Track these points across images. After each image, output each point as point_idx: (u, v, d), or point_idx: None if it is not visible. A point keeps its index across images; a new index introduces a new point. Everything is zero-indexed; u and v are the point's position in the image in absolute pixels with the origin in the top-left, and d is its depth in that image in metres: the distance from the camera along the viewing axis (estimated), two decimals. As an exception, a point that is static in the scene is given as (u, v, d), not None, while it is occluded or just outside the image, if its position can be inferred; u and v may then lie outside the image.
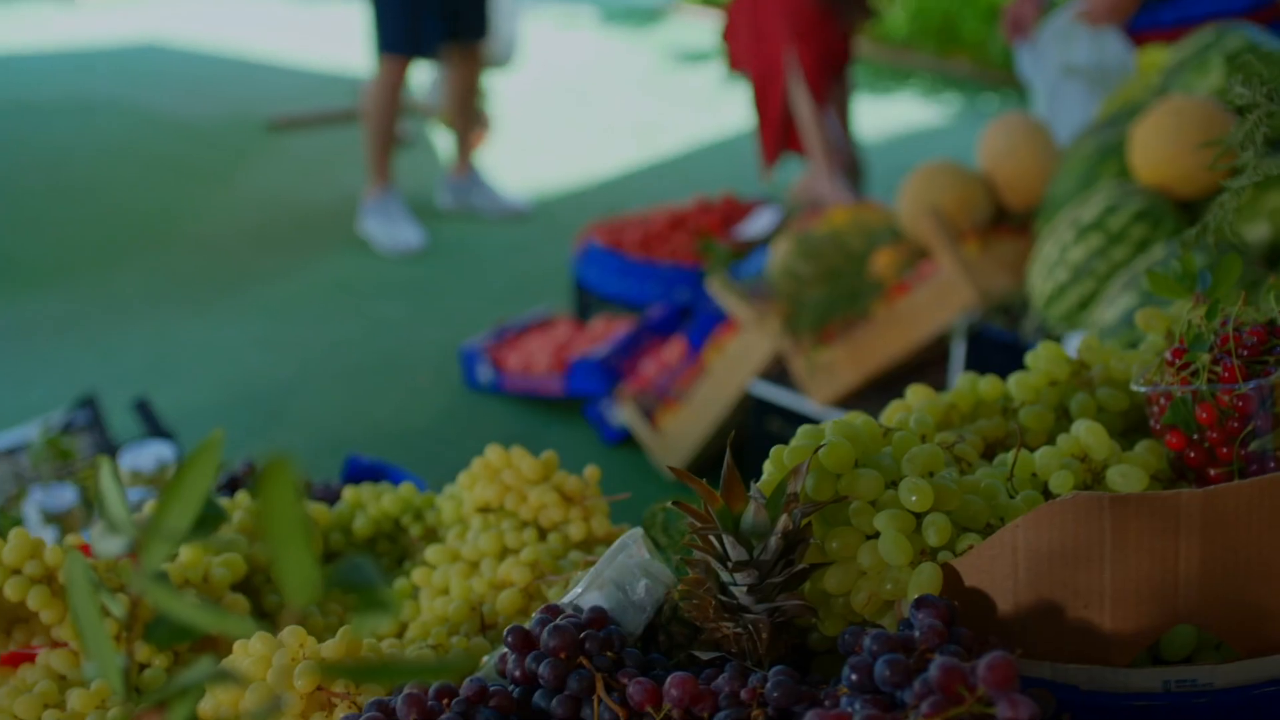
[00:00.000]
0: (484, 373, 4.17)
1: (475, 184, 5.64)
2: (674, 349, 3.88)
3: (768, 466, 1.25)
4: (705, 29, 8.25)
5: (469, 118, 5.57)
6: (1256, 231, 2.53)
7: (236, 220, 5.62)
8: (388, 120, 5.24)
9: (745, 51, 4.42)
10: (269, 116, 6.71)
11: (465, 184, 5.65)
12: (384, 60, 5.17)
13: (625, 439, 3.82)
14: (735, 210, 4.41)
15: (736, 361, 3.46)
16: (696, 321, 3.88)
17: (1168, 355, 1.39)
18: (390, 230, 5.30)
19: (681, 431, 3.58)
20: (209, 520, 0.79)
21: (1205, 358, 1.34)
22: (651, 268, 4.18)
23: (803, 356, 3.24)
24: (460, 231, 5.48)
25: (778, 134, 4.45)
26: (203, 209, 5.74)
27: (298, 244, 5.37)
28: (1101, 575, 1.10)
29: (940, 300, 3.01)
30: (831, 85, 4.35)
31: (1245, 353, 1.36)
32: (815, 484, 1.19)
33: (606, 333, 4.15)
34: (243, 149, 6.37)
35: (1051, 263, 2.73)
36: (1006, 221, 3.19)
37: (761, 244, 4.06)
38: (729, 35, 4.45)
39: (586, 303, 4.43)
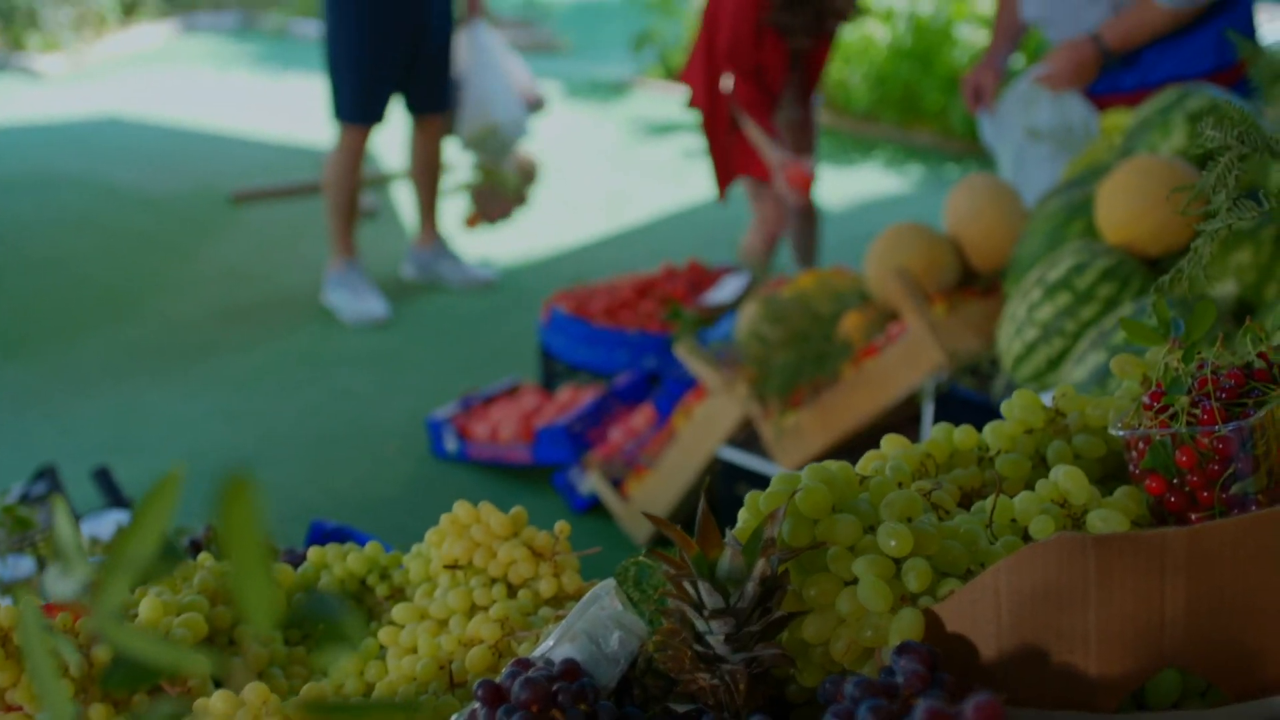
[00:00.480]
0: (450, 442, 4.13)
1: (440, 254, 5.63)
2: (642, 416, 3.86)
3: (743, 514, 1.23)
4: (669, 102, 8.30)
5: (433, 187, 5.56)
6: (1224, 289, 2.54)
7: (199, 293, 5.59)
8: (348, 191, 5.23)
9: (698, 86, 4.44)
10: (231, 190, 6.69)
11: (430, 254, 5.64)
12: (343, 130, 5.18)
13: (594, 507, 3.78)
14: (702, 277, 4.41)
15: (705, 427, 3.43)
16: (664, 388, 3.86)
17: (1145, 399, 1.38)
18: (354, 301, 5.27)
19: (650, 498, 3.55)
20: (168, 559, 0.76)
21: (1184, 400, 1.33)
22: (618, 335, 4.17)
23: (771, 420, 3.22)
24: (426, 301, 5.46)
25: (723, 160, 4.47)
26: (165, 282, 5.70)
27: (261, 316, 5.34)
28: (1086, 617, 1.07)
29: (909, 361, 3.00)
30: (772, 108, 4.36)
31: (1224, 395, 1.34)
32: (792, 529, 1.17)
33: (574, 401, 4.12)
34: (205, 222, 6.35)
35: (1020, 322, 2.72)
36: (974, 283, 3.19)
37: (729, 309, 4.05)
38: (687, 73, 4.47)
39: (553, 371, 4.41)
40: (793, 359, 3.20)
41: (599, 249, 5.98)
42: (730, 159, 4.44)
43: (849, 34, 7.34)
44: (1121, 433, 1.35)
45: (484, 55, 5.36)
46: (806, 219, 4.76)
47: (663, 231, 6.18)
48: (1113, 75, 3.81)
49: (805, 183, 4.24)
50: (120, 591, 0.71)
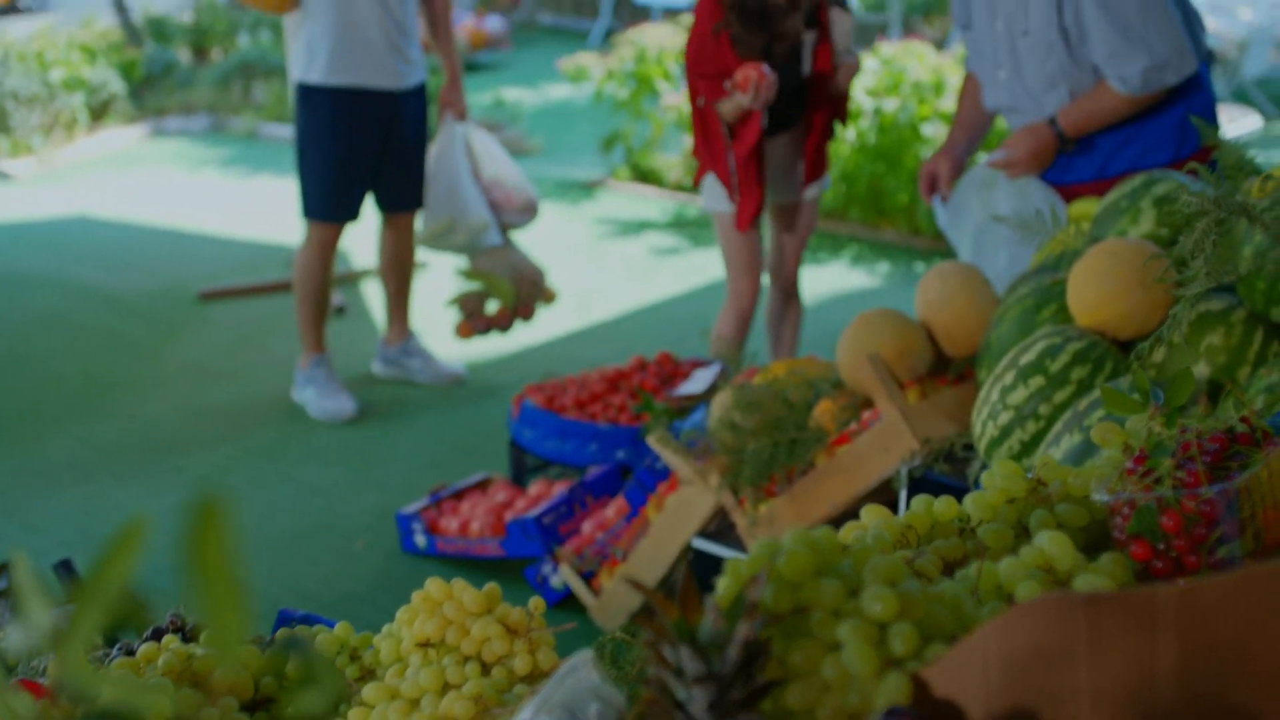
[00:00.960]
0: (419, 537, 4.09)
1: (410, 351, 5.61)
2: (614, 508, 3.82)
3: (723, 580, 1.20)
4: (638, 201, 8.35)
5: (403, 285, 5.56)
6: (1196, 371, 2.53)
7: (166, 390, 5.55)
8: (319, 287, 5.22)
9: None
10: (200, 288, 6.67)
11: (400, 351, 5.62)
12: (313, 228, 5.18)
13: (566, 600, 3.74)
14: (673, 370, 4.39)
15: (677, 517, 3.40)
16: (636, 480, 3.83)
17: (1129, 464, 1.36)
18: (323, 398, 5.24)
19: (623, 590, 3.50)
20: (134, 607, 0.74)
21: (1168, 463, 1.32)
22: (589, 428, 4.14)
23: (745, 510, 3.20)
24: (396, 398, 5.43)
25: (700, 152, 4.46)
26: (132, 379, 5.66)
27: (228, 413, 5.30)
28: (1077, 678, 1.05)
29: (882, 447, 2.98)
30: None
31: (1208, 459, 1.33)
32: (775, 594, 1.14)
33: (545, 494, 4.09)
34: (173, 320, 6.32)
35: (993, 405, 2.71)
36: (946, 371, 3.19)
37: (700, 400, 4.03)
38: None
39: (524, 465, 4.38)
40: (766, 447, 3.18)
41: (569, 344, 5.97)
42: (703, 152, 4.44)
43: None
44: (1106, 498, 1.34)
45: (450, 153, 5.36)
46: (789, 307, 4.76)
47: (633, 327, 6.19)
48: (1073, 165, 3.85)
49: (758, 77, 4.13)
50: (88, 637, 0.68)
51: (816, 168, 4.53)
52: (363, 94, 5.03)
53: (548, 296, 5.56)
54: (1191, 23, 3.77)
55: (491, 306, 5.47)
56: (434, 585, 1.54)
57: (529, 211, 5.58)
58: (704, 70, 4.24)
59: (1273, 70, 11.38)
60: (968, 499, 1.49)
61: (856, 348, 3.10)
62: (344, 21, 4.95)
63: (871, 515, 1.47)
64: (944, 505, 1.48)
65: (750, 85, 4.10)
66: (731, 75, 4.17)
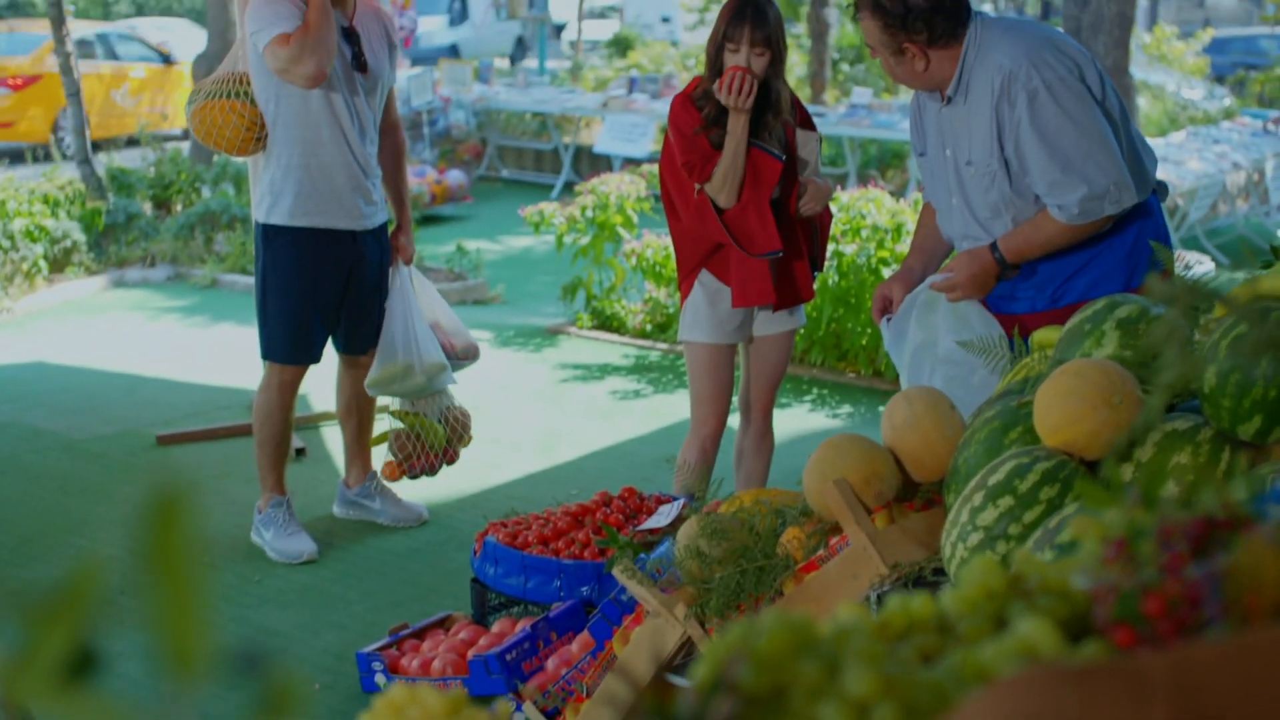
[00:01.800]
0: (380, 677, 4.00)
1: (371, 493, 5.55)
2: (578, 644, 3.76)
3: (699, 666, 1.16)
4: (600, 347, 8.38)
5: (363, 425, 5.52)
6: (1164, 491, 2.52)
7: (119, 533, 5.45)
8: (279, 428, 5.18)
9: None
10: (158, 432, 6.61)
11: (361, 492, 5.56)
12: (273, 370, 5.15)
13: (529, 739, 3.65)
14: (638, 506, 4.36)
15: (644, 650, 3.34)
16: (601, 614, 3.77)
17: (1109, 551, 1.34)
18: (282, 540, 5.17)
19: (588, 726, 3.42)
20: (89, 662, 0.70)
21: (1149, 547, 1.29)
22: (553, 564, 4.09)
23: (712, 640, 3.14)
24: (356, 539, 5.37)
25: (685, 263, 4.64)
26: (84, 522, 5.57)
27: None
28: (1068, 756, 1.01)
29: (851, 574, 2.94)
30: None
31: (1190, 543, 1.31)
32: (753, 674, 1.11)
33: (508, 632, 4.02)
34: (129, 464, 6.25)
35: (962, 527, 2.69)
36: (914, 496, 3.16)
37: (666, 534, 3.99)
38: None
39: (486, 602, 4.31)
40: (733, 576, 3.14)
41: (533, 483, 5.93)
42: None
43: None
44: (1087, 584, 1.31)
45: (402, 295, 5.35)
46: (761, 443, 4.76)
47: (596, 467, 6.15)
48: (1021, 294, 3.89)
49: (742, 79, 4.26)
50: (43, 672, 0.64)
51: (791, 292, 4.57)
52: (326, 234, 5.04)
53: (467, 441, 5.58)
54: (1139, 153, 3.84)
55: (420, 449, 5.44)
56: (397, 690, 1.49)
57: (470, 356, 5.60)
58: (688, 159, 4.40)
59: (1222, 220, 11.60)
60: (945, 596, 1.46)
61: (823, 473, 3.08)
62: (308, 163, 4.98)
63: (846, 611, 1.43)
64: (921, 603, 1.45)
65: (728, 81, 4.28)
66: (716, 161, 4.37)
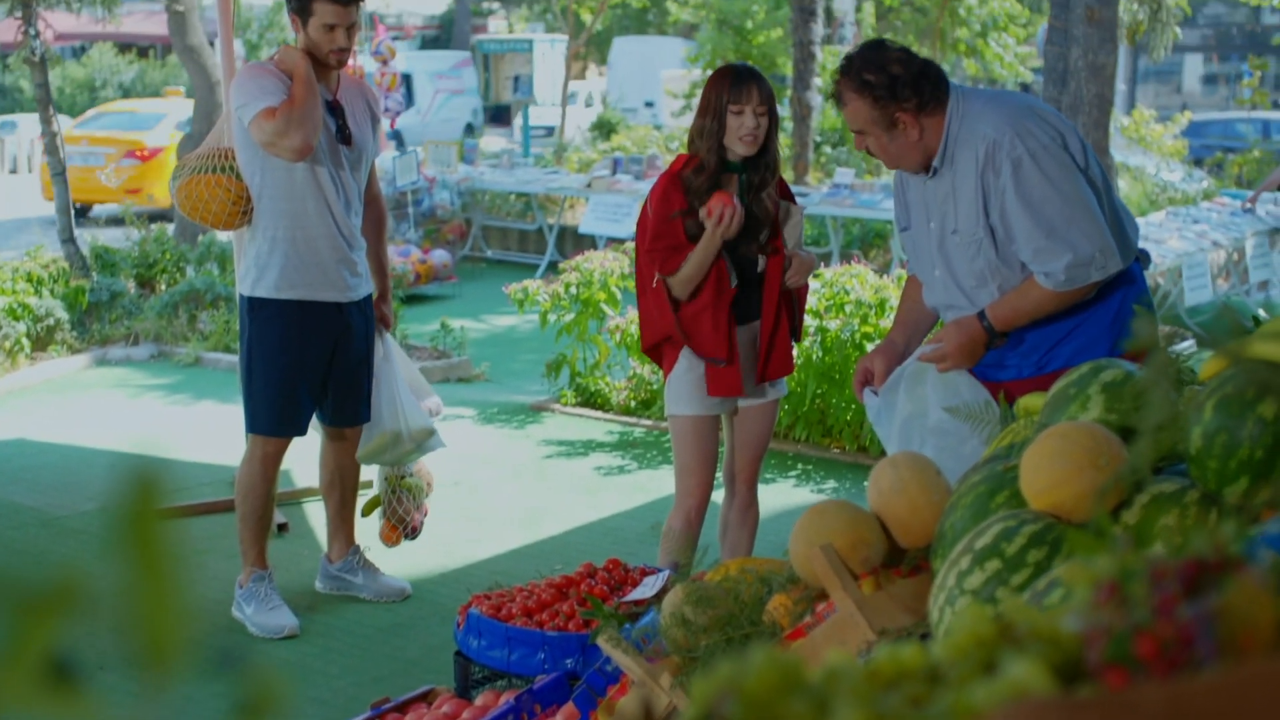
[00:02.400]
0: (361, 751, 3.94)
1: (353, 567, 5.51)
2: (563, 716, 3.71)
3: (689, 704, 1.15)
4: (584, 424, 8.36)
5: (346, 499, 5.49)
6: (1151, 553, 2.51)
7: (97, 609, 5.38)
8: (261, 502, 5.15)
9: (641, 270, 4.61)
10: (140, 509, 6.55)
11: (344, 567, 5.52)
12: (257, 442, 5.13)
13: (512, 813, 3.59)
14: (623, 577, 4.32)
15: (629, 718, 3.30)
16: (585, 686, 3.72)
17: (1101, 593, 1.33)
18: (262, 614, 5.12)
19: (572, 799, 3.37)
20: (63, 674, 0.68)
21: (1141, 587, 1.28)
22: (537, 635, 4.04)
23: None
24: (338, 614, 5.32)
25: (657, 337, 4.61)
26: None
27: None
28: (1064, 790, 0.99)
29: (838, 640, 2.91)
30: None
31: (1182, 584, 1.29)
32: (742, 712, 1.09)
33: (491, 705, 3.96)
34: (109, 540, 6.18)
35: (950, 591, 2.66)
36: (900, 563, 3.14)
37: (651, 604, 3.95)
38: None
39: (470, 675, 4.25)
40: (719, 644, 3.11)
41: (515, 558, 5.90)
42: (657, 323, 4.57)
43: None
44: (1078, 626, 1.30)
45: (385, 367, 5.35)
46: (747, 514, 4.75)
47: (581, 541, 6.12)
48: (1008, 362, 3.90)
49: (725, 206, 4.28)
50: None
51: (773, 365, 4.58)
52: (311, 306, 5.04)
53: (427, 489, 5.68)
54: (1122, 222, 3.86)
55: (410, 510, 5.47)
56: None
57: (436, 412, 5.66)
58: (657, 246, 4.39)
59: (1203, 299, 11.66)
60: (934, 644, 1.45)
61: (809, 539, 3.06)
62: (293, 236, 4.98)
63: (835, 658, 1.42)
64: (911, 652, 1.44)
65: (717, 213, 4.29)
66: (686, 254, 4.38)
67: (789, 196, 4.65)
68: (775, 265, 4.53)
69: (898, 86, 3.75)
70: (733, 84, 4.41)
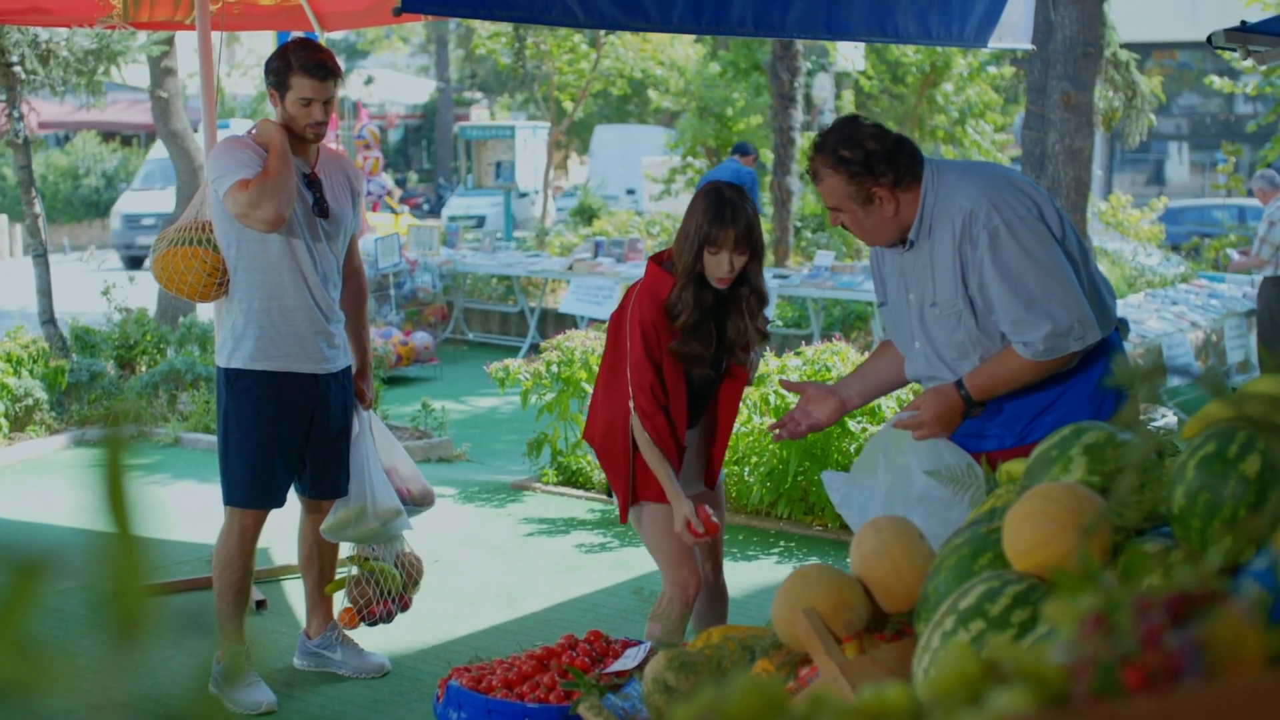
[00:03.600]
0: (338, 827, 3.88)
1: (332, 643, 5.45)
2: (543, 789, 3.66)
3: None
4: (565, 502, 8.33)
5: (324, 574, 5.44)
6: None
7: (72, 689, 5.31)
8: (239, 576, 5.10)
9: (596, 416, 4.46)
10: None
11: (321, 644, 5.45)
12: (235, 515, 5.09)
13: None
14: (604, 649, 4.29)
15: (611, 790, 3.25)
16: (566, 758, 3.68)
17: (1087, 626, 1.31)
18: (239, 690, 5.05)
19: None
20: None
21: (1128, 617, 1.27)
22: (518, 707, 4.00)
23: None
24: (317, 690, 5.26)
25: (625, 485, 4.37)
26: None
27: (136, 706, 5.06)
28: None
29: (822, 705, 2.88)
30: (669, 432, 4.30)
31: (1168, 615, 1.28)
32: (725, 736, 1.07)
33: (470, 780, 3.91)
34: (84, 616, 6.12)
35: (934, 653, 2.64)
36: (883, 628, 3.11)
37: (632, 675, 3.91)
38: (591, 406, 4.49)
39: (449, 750, 4.20)
40: (701, 711, 3.07)
41: (496, 634, 5.84)
42: (635, 483, 4.37)
43: (740, 430, 7.46)
44: (1066, 657, 1.28)
45: (358, 443, 5.32)
46: (717, 599, 4.71)
47: (562, 619, 6.07)
48: (989, 433, 3.89)
49: (709, 530, 4.18)
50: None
51: (716, 467, 4.59)
52: (288, 378, 5.03)
53: (417, 579, 5.57)
54: (1100, 291, 3.88)
55: (378, 595, 5.38)
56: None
57: (426, 501, 5.57)
58: (644, 380, 4.27)
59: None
60: (919, 684, 1.43)
61: (791, 603, 3.03)
62: (269, 307, 4.98)
63: (819, 687, 1.40)
64: (896, 692, 1.42)
65: (696, 534, 4.22)
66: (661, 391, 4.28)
67: (764, 335, 4.53)
68: (731, 386, 4.48)
69: (873, 162, 3.76)
70: (712, 220, 4.19)
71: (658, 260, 4.40)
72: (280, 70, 4.96)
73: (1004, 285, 3.71)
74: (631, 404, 4.28)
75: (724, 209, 4.20)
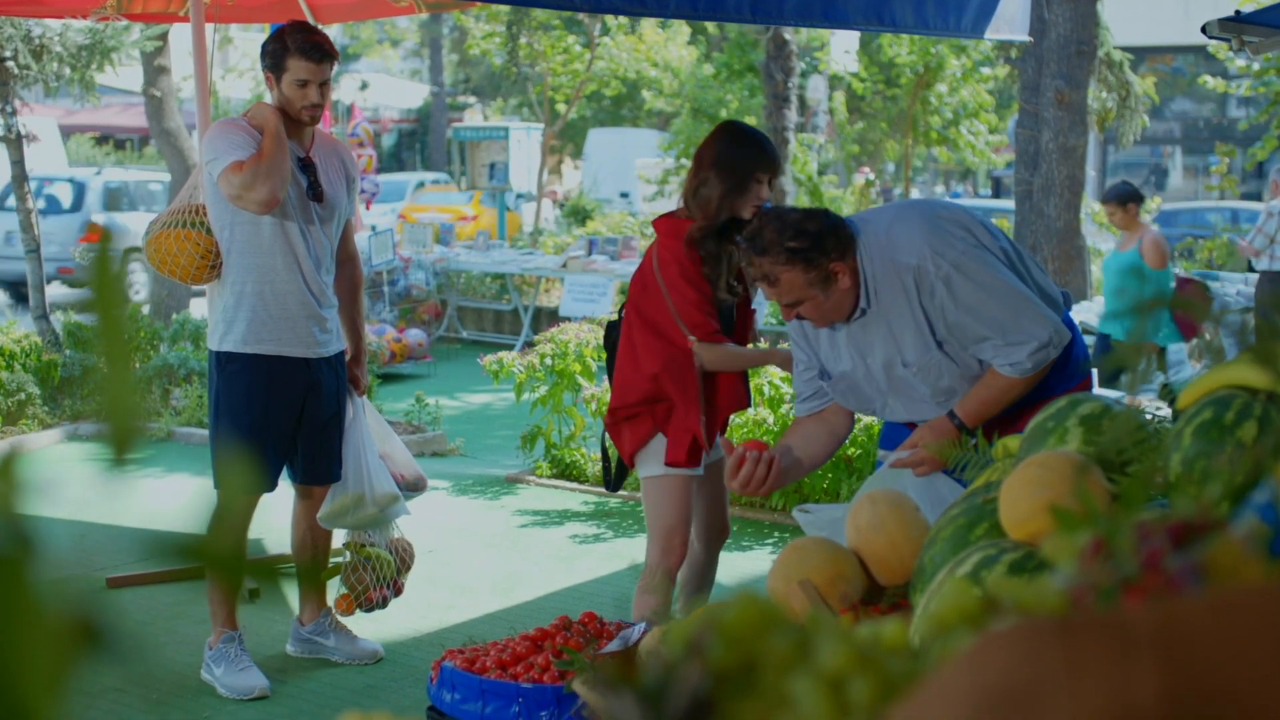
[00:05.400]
0: (330, 808, 3.86)
1: (325, 630, 5.43)
2: (537, 768, 3.64)
3: (664, 644, 1.12)
4: (559, 495, 8.32)
5: (317, 560, 5.42)
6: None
7: (74, 680, 5.30)
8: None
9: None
10: (108, 575, 6.48)
11: (314, 630, 5.44)
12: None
13: None
14: (598, 630, 4.27)
15: (605, 766, 3.23)
16: (560, 737, 3.66)
17: (1087, 552, 1.30)
18: (232, 675, 5.04)
19: None
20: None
21: (1128, 542, 1.26)
22: (512, 687, 3.99)
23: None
24: (310, 676, 5.24)
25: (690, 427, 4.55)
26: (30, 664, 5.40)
27: (129, 693, 5.05)
28: (1053, 714, 0.96)
29: (818, 676, 2.87)
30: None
31: (1169, 540, 1.27)
32: (722, 650, 1.06)
33: (464, 760, 3.90)
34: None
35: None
36: (879, 601, 3.11)
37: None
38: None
39: (442, 731, 4.18)
40: (696, 685, 3.06)
41: (490, 622, 5.82)
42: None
43: (734, 421, 7.45)
44: (1066, 584, 1.27)
45: (353, 429, 5.31)
46: (705, 575, 4.71)
47: (555, 607, 6.03)
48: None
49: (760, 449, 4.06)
50: None
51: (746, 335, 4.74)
52: (279, 361, 5.02)
53: (408, 563, 5.57)
54: (1042, 284, 3.89)
55: (374, 581, 5.36)
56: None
57: (419, 487, 5.57)
58: (698, 319, 4.45)
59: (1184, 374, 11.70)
60: (917, 619, 1.42)
61: (787, 575, 3.02)
62: (261, 290, 4.97)
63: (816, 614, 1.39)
64: (893, 629, 1.41)
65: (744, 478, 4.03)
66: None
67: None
68: (742, 309, 4.62)
69: (821, 238, 3.68)
70: (760, 153, 4.49)
71: (666, 218, 4.63)
72: (276, 53, 4.95)
73: (974, 323, 3.71)
74: (694, 342, 4.43)
75: (754, 138, 4.56)
